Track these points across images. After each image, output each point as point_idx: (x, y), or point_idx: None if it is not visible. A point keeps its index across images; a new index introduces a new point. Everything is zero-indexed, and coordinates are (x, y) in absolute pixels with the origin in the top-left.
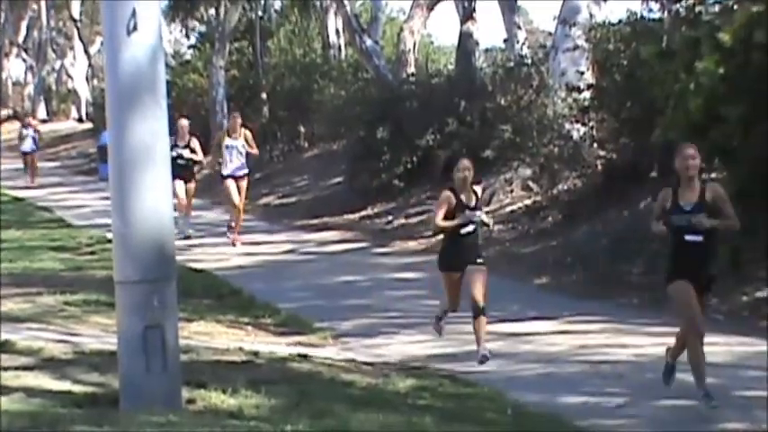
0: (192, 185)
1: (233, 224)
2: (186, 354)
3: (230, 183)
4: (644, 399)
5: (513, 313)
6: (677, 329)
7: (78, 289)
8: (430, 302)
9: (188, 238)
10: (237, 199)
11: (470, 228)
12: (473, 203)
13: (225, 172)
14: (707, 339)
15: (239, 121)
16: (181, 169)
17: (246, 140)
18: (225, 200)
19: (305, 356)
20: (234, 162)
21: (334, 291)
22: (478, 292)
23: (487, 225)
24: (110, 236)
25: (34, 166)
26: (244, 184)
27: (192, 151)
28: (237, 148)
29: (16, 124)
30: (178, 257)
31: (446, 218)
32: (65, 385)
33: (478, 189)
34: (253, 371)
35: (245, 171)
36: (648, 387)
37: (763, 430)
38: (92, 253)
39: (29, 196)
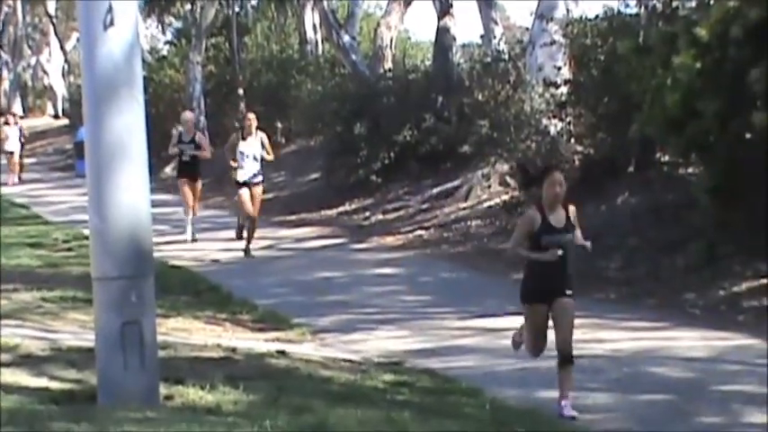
0: (198, 184)
1: (244, 233)
2: (164, 350)
3: (244, 191)
4: (621, 393)
5: (491, 308)
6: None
7: (55, 285)
8: (408, 298)
9: (194, 241)
10: (251, 208)
11: (559, 252)
12: (563, 224)
13: (239, 179)
14: (685, 333)
15: (254, 123)
16: (186, 167)
17: (263, 145)
18: (236, 208)
19: (283, 352)
20: (248, 168)
21: (312, 287)
22: (566, 334)
23: (586, 247)
24: (87, 232)
25: (21, 163)
26: (259, 191)
27: (198, 147)
28: (253, 154)
29: None
30: (155, 254)
31: (529, 242)
32: (42, 382)
33: (572, 209)
34: (231, 367)
35: (260, 178)
36: (625, 381)
37: (738, 423)
38: (69, 249)
39: (5, 193)
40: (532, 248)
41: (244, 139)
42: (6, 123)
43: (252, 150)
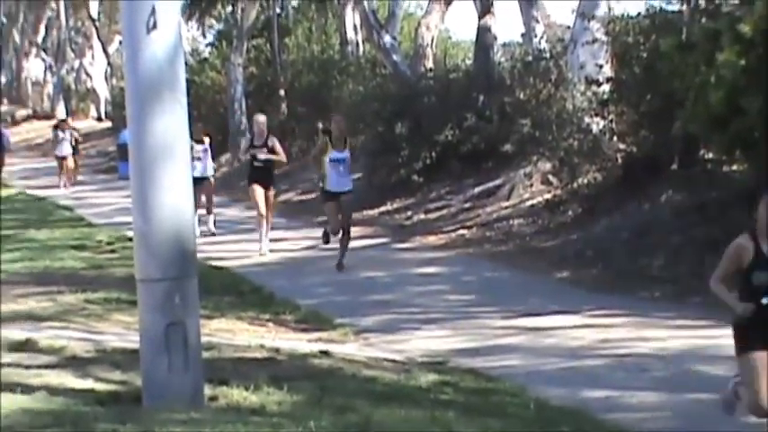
0: (271, 192)
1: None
2: (208, 351)
3: (331, 204)
4: (668, 392)
5: (534, 307)
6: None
7: (99, 287)
8: (451, 297)
9: (262, 255)
10: (337, 222)
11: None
12: None
13: (328, 188)
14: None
15: (344, 127)
16: (258, 172)
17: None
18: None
19: (326, 353)
20: (337, 177)
21: (354, 286)
22: None
23: None
24: (130, 234)
25: (75, 168)
26: (347, 200)
27: (271, 151)
28: (346, 161)
29: (36, 124)
30: (198, 255)
31: (739, 278)
32: (87, 383)
33: None
34: (274, 367)
35: (350, 187)
36: (672, 380)
37: None
38: (112, 251)
39: (49, 195)
40: (742, 289)
41: (334, 146)
42: (57, 128)
43: (345, 158)
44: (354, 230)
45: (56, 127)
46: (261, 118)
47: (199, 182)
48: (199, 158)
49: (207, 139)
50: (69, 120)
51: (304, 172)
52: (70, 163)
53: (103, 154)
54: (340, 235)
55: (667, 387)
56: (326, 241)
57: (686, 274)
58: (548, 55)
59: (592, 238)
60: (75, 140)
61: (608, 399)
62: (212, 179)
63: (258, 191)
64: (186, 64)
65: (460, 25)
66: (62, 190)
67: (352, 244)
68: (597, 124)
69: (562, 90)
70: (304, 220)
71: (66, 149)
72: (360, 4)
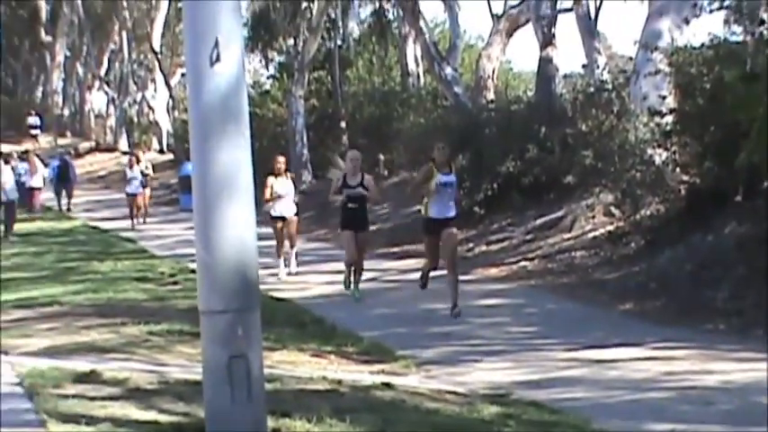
0: (364, 235)
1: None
2: (270, 383)
3: (432, 236)
4: (733, 426)
5: (597, 340)
6: (764, 355)
7: (162, 319)
8: (513, 329)
9: (358, 300)
10: (436, 257)
11: None
12: None
13: (431, 215)
14: None
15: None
16: (352, 215)
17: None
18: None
19: (388, 385)
20: (443, 203)
21: (416, 318)
22: None
23: None
24: (192, 266)
25: (144, 205)
26: (451, 231)
27: (366, 190)
28: (454, 185)
29: (98, 156)
30: (260, 286)
31: None
32: (151, 415)
33: None
34: (337, 399)
35: (454, 213)
36: (737, 414)
37: None
38: (174, 283)
39: (112, 228)
40: None
41: (439, 169)
42: (130, 166)
43: (452, 182)
44: (415, 262)
45: (128, 163)
46: (355, 154)
47: (281, 221)
48: (279, 197)
49: (289, 176)
50: (140, 153)
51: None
52: (140, 201)
53: (165, 186)
54: (447, 275)
55: (732, 420)
56: (424, 284)
57: (751, 306)
58: (610, 86)
59: (655, 270)
60: (145, 175)
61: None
62: (296, 217)
63: (350, 236)
64: (248, 96)
65: (522, 56)
66: (133, 231)
67: (414, 275)
68: (660, 156)
69: (624, 121)
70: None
71: (137, 187)
72: (421, 36)
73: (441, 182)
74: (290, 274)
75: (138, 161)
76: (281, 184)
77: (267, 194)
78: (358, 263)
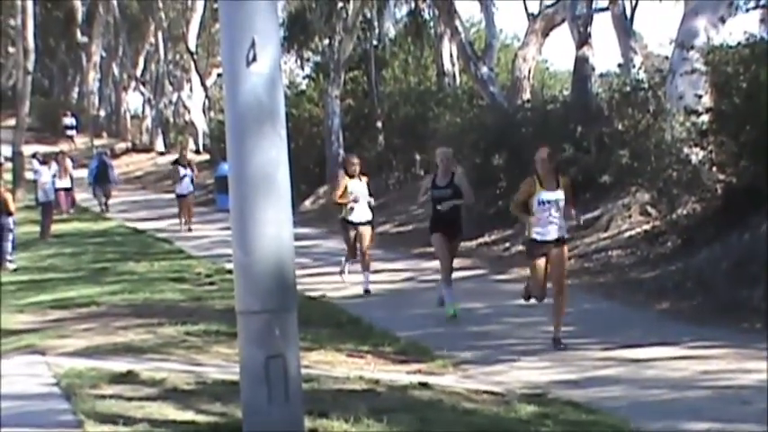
0: (458, 242)
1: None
2: (307, 383)
3: (539, 261)
4: None
5: (634, 339)
6: None
7: (199, 319)
8: (549, 328)
9: (453, 316)
10: (543, 285)
11: None
12: None
13: (536, 236)
14: None
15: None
16: (444, 219)
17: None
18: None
19: (425, 384)
20: (548, 222)
21: (453, 318)
22: None
23: None
24: (229, 266)
25: (191, 210)
26: (559, 252)
27: (457, 193)
28: (557, 203)
29: (134, 157)
30: (297, 286)
31: None
32: (188, 415)
33: None
34: (374, 399)
35: (563, 234)
36: None
37: None
38: (211, 283)
39: (149, 228)
40: None
41: (543, 185)
42: (177, 163)
43: (558, 199)
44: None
45: (176, 162)
46: (445, 152)
47: (355, 227)
48: (356, 200)
49: (365, 179)
50: (187, 154)
51: (400, 204)
52: (191, 201)
53: (201, 186)
54: (554, 298)
55: None
56: (528, 297)
57: None
58: (646, 85)
59: (691, 270)
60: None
61: (709, 431)
62: (370, 226)
63: (439, 241)
64: (284, 96)
65: (558, 56)
66: (183, 232)
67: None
68: (696, 155)
69: (661, 120)
70: (401, 251)
71: (187, 187)
72: (456, 35)
73: (543, 199)
74: (366, 291)
75: (187, 162)
76: (357, 187)
77: (339, 194)
78: (449, 269)
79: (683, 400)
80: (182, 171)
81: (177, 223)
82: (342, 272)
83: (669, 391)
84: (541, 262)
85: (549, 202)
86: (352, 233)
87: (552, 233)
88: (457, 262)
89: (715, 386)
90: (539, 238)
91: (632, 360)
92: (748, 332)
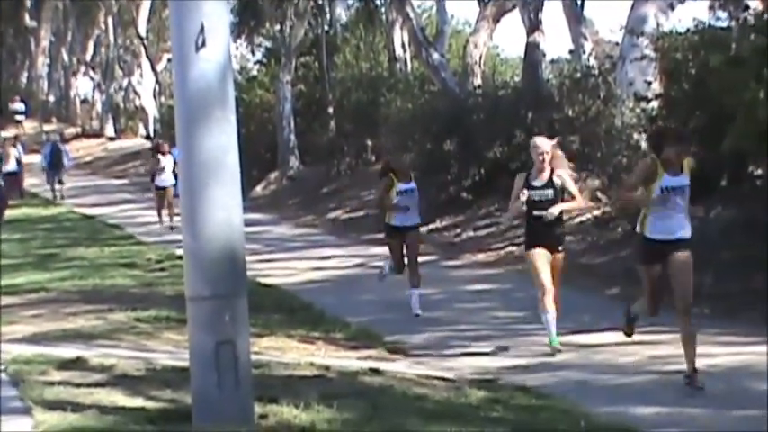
0: (560, 257)
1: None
2: (258, 369)
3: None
4: (717, 409)
5: (585, 324)
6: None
7: (149, 305)
8: (501, 314)
9: (556, 353)
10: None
11: None
12: None
13: (650, 233)
14: None
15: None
16: (544, 228)
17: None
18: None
19: (376, 370)
20: (669, 216)
21: (404, 304)
22: None
23: None
24: (180, 252)
25: (172, 204)
26: (687, 257)
27: (559, 192)
28: (684, 189)
29: (84, 142)
30: (247, 272)
31: None
32: (137, 401)
33: None
34: (324, 385)
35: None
36: (722, 397)
37: None
38: (162, 269)
39: (99, 214)
40: None
41: (665, 167)
42: (157, 151)
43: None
44: None
45: (156, 150)
46: (540, 145)
47: (404, 231)
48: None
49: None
50: (164, 142)
51: (351, 190)
52: (172, 193)
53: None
54: (680, 324)
55: (717, 404)
56: (630, 331)
57: (736, 290)
58: (596, 71)
59: None
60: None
61: (658, 415)
62: (418, 230)
63: (540, 258)
64: (235, 82)
65: (509, 42)
66: (161, 226)
67: None
68: (646, 141)
69: (611, 107)
70: (352, 237)
71: (168, 178)
72: (408, 21)
73: (667, 186)
74: (417, 315)
75: (166, 151)
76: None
77: (383, 196)
78: (552, 293)
79: (633, 385)
80: (162, 161)
81: (161, 218)
82: (382, 275)
83: (619, 375)
84: (659, 266)
85: (674, 189)
86: (396, 241)
87: (676, 230)
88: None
89: (664, 371)
90: (655, 236)
91: (582, 345)
92: (697, 317)
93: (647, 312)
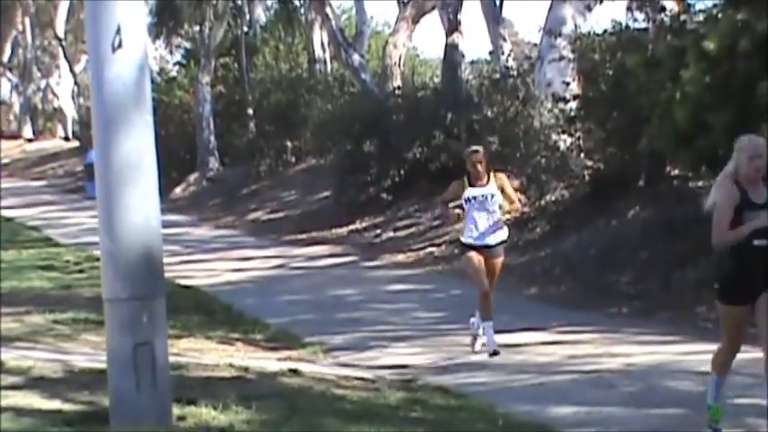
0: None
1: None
2: (176, 370)
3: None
4: (634, 407)
5: (503, 324)
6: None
7: (67, 307)
8: (420, 315)
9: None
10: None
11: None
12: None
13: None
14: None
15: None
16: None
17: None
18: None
19: (295, 371)
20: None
21: (324, 305)
22: None
23: None
24: (98, 254)
25: None
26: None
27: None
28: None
29: (3, 144)
30: (167, 274)
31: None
32: (55, 404)
33: None
34: (243, 386)
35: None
36: (639, 396)
37: None
38: (80, 271)
39: (17, 216)
40: None
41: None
42: None
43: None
44: (323, 249)
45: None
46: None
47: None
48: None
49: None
50: None
51: (271, 191)
52: None
53: (71, 174)
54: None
55: (634, 402)
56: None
57: (654, 289)
58: (515, 72)
59: (560, 255)
60: None
61: (576, 414)
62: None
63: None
64: (154, 83)
65: (428, 43)
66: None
67: (321, 262)
68: (564, 141)
69: (529, 107)
70: (271, 239)
71: None
72: (327, 22)
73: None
74: (495, 353)
75: None
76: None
77: (447, 203)
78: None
79: (551, 385)
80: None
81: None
82: (474, 337)
83: (537, 375)
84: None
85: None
86: (476, 259)
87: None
88: (326, 249)
89: (582, 370)
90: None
91: (501, 345)
92: (615, 317)
93: (725, 358)
